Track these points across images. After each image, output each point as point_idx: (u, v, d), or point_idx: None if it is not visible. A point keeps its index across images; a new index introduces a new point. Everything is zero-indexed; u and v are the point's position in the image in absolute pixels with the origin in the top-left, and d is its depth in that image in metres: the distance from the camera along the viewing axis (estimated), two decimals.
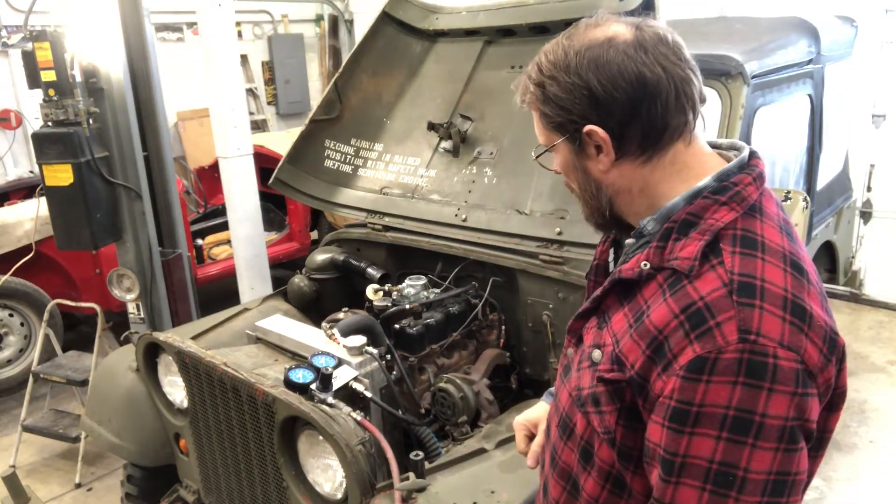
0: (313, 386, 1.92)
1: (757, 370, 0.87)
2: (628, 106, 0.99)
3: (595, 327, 1.09)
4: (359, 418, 1.86)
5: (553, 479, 1.18)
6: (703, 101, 1.03)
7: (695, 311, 0.92)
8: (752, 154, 1.05)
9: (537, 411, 1.41)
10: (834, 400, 0.98)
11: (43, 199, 3.61)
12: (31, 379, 3.88)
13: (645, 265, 1.00)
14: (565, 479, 1.15)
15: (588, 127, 1.01)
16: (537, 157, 1.16)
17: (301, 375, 1.93)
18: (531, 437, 1.39)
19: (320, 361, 1.98)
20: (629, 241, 1.09)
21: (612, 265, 1.21)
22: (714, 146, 1.10)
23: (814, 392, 0.91)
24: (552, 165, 1.15)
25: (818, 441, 0.98)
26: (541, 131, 1.10)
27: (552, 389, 1.38)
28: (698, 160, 1.04)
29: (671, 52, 0.99)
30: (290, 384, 1.92)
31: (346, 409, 1.89)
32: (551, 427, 1.21)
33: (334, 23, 9.38)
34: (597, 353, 1.05)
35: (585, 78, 0.99)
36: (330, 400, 1.90)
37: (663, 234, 1.00)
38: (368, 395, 1.99)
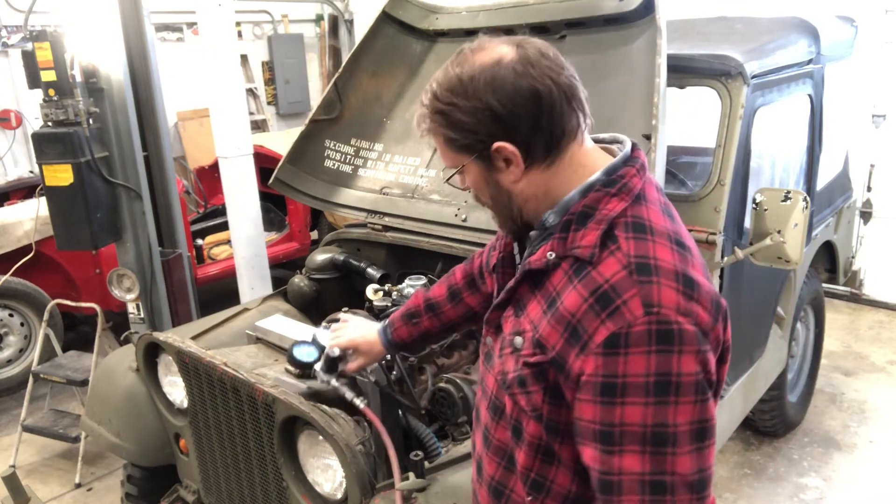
0: (317, 366, 1.88)
1: (665, 337, 0.98)
2: (529, 119, 1.07)
3: (512, 316, 1.19)
4: (362, 405, 1.82)
5: (488, 457, 1.27)
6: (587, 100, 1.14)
7: (602, 294, 1.02)
8: (634, 146, 1.17)
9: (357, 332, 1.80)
10: (723, 354, 1.10)
11: (43, 199, 3.61)
12: (31, 379, 3.88)
13: (551, 255, 1.11)
14: (500, 455, 1.24)
15: (496, 144, 1.09)
16: (447, 179, 1.23)
17: (306, 353, 1.91)
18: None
19: (324, 338, 1.94)
20: (533, 232, 1.18)
21: (518, 257, 1.30)
22: (598, 141, 1.21)
23: (709, 348, 1.02)
24: (461, 185, 1.22)
25: (714, 392, 1.08)
26: (447, 155, 1.17)
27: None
28: (590, 158, 1.14)
29: (553, 64, 1.08)
30: (293, 361, 1.92)
31: (350, 393, 1.86)
32: (481, 410, 1.31)
33: (334, 23, 9.39)
34: (518, 340, 1.14)
35: (485, 100, 1.06)
36: (334, 382, 1.85)
37: (563, 225, 1.11)
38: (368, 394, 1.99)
